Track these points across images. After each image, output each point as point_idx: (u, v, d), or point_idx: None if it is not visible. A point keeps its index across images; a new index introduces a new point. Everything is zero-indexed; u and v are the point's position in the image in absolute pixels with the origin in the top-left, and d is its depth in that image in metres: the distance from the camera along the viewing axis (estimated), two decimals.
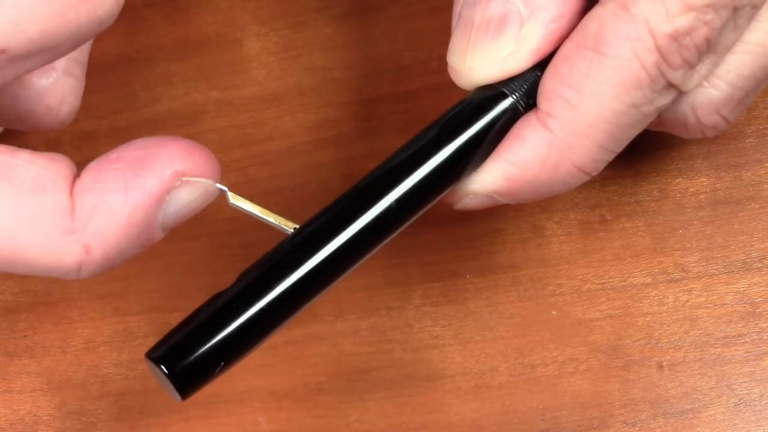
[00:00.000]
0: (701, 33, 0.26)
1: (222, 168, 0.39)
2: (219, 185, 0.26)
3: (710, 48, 0.27)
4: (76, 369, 0.39)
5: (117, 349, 0.39)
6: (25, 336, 0.40)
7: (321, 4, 0.41)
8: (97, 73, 0.42)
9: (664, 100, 0.27)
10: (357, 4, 0.40)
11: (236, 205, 0.27)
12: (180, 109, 0.41)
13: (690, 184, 0.36)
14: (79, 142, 0.42)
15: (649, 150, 0.36)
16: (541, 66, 0.28)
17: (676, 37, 0.26)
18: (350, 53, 0.40)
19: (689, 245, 0.35)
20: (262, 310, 0.25)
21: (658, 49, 0.26)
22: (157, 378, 0.26)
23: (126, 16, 0.41)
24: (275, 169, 0.39)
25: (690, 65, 0.27)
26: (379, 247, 0.27)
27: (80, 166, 0.25)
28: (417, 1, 0.39)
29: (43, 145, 0.42)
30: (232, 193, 0.27)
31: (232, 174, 0.40)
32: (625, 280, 0.36)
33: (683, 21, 0.26)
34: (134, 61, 0.41)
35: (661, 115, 0.28)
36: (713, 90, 0.28)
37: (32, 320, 0.40)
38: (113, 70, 0.42)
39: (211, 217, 0.39)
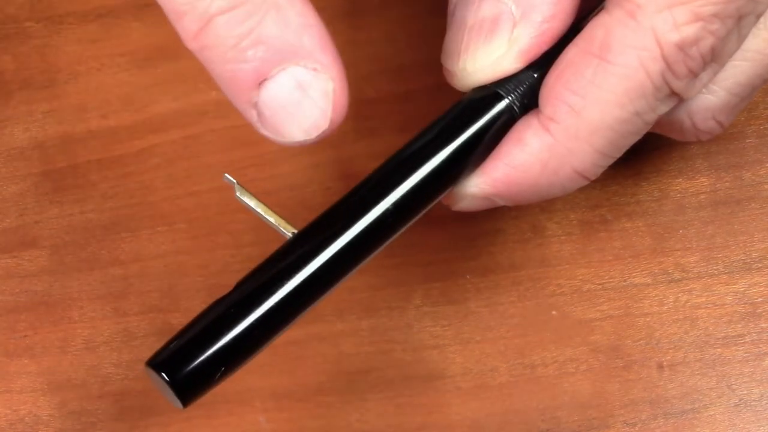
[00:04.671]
0: (707, 43, 0.26)
1: (222, 168, 0.39)
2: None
3: (715, 57, 0.26)
4: (76, 369, 0.39)
5: (117, 349, 0.39)
6: (25, 336, 0.40)
7: (321, 4, 0.40)
8: (97, 74, 0.42)
9: (665, 107, 0.27)
10: (357, 4, 0.40)
11: (241, 200, 0.27)
12: (180, 109, 0.41)
13: (690, 185, 0.36)
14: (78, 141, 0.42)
15: (649, 150, 0.36)
16: (536, 66, 0.28)
17: (682, 47, 0.26)
18: (350, 53, 0.40)
19: (689, 245, 0.35)
20: (262, 316, 0.25)
21: (665, 59, 0.26)
22: (157, 386, 0.26)
23: (126, 16, 0.42)
24: (275, 169, 0.39)
25: (694, 74, 0.26)
26: (377, 251, 0.27)
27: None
28: (417, 2, 0.39)
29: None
30: (240, 187, 0.27)
31: (232, 174, 0.39)
32: (625, 281, 0.36)
33: (690, 31, 0.25)
34: (134, 61, 0.41)
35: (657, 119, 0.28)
36: (710, 96, 0.28)
37: (32, 320, 0.40)
38: (113, 70, 0.42)
39: (211, 218, 0.39)
